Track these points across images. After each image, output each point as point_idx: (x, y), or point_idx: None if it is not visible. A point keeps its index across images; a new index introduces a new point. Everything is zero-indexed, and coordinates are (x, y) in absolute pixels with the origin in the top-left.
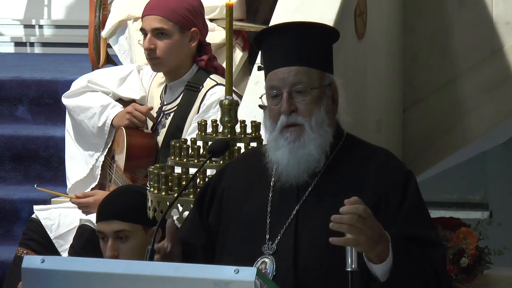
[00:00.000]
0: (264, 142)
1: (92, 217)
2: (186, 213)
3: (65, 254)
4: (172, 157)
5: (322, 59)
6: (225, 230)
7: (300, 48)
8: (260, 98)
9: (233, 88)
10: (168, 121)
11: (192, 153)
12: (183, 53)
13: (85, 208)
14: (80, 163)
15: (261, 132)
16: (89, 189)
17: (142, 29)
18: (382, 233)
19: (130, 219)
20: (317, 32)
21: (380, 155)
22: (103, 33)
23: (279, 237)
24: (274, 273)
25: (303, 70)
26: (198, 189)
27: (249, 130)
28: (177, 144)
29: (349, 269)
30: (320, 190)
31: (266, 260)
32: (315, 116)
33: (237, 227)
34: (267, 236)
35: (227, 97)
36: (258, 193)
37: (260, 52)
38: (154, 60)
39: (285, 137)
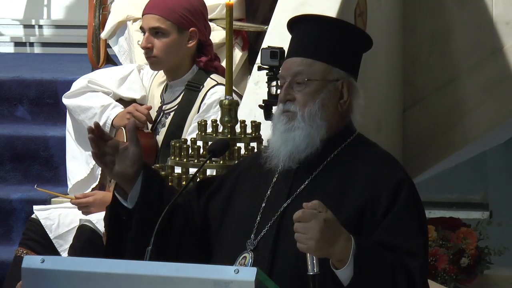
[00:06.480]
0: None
1: (92, 217)
2: None
3: (65, 254)
4: (172, 157)
5: (334, 54)
6: (223, 225)
7: (311, 41)
8: (274, 86)
9: (233, 88)
10: (168, 121)
11: (192, 153)
12: (181, 53)
13: (85, 208)
14: (81, 163)
15: (261, 132)
16: (89, 189)
17: (141, 28)
18: (340, 236)
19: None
20: (336, 27)
21: (377, 160)
22: (103, 34)
23: (262, 234)
24: None
25: (307, 61)
26: None
27: (249, 130)
28: (177, 144)
29: (310, 273)
30: (312, 189)
31: (246, 255)
32: (308, 107)
33: (231, 222)
34: (254, 232)
35: (227, 97)
36: (260, 190)
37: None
38: (151, 58)
39: (281, 119)
